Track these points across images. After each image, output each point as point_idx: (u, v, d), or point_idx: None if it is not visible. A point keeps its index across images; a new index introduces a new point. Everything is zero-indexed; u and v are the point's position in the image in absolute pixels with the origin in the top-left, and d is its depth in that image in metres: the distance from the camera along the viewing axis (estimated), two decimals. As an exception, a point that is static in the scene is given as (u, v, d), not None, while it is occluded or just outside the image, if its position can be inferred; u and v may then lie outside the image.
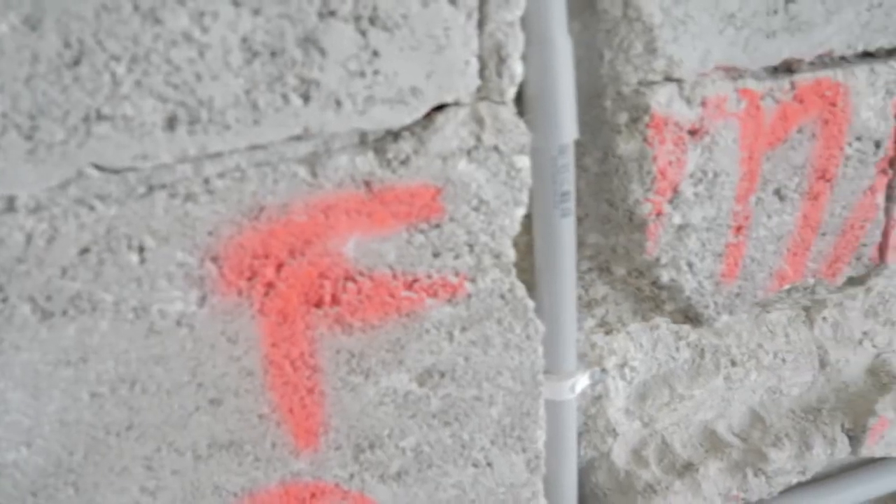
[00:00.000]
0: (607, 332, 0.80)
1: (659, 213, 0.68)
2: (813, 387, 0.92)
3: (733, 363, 0.86)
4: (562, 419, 0.78)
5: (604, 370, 0.81)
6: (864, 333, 0.93)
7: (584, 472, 0.85)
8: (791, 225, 0.75)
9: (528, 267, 0.72)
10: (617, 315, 0.79)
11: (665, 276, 0.71)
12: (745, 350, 0.86)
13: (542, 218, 0.69)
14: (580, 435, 0.83)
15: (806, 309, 0.90)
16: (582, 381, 0.77)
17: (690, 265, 0.72)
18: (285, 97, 0.54)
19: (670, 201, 0.69)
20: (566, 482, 0.82)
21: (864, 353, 0.93)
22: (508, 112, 0.61)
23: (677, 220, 0.69)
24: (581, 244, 0.74)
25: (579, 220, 0.74)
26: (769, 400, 0.90)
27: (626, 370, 0.83)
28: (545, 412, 0.76)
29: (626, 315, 0.80)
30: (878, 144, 0.75)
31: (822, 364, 0.91)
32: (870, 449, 0.90)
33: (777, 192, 0.73)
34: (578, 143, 0.70)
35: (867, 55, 0.74)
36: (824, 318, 0.90)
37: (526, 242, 0.72)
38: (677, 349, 0.84)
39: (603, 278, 0.76)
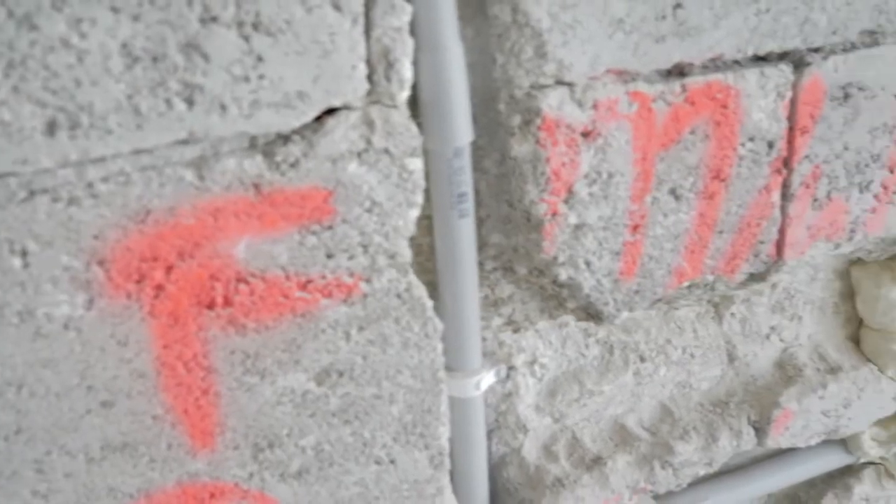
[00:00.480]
0: (515, 331, 0.81)
1: (555, 213, 0.70)
2: (722, 381, 0.94)
3: (642, 359, 0.88)
4: (469, 416, 0.79)
5: (512, 367, 0.82)
6: (772, 328, 0.95)
7: (497, 468, 0.86)
8: (688, 223, 0.76)
9: (433, 267, 0.74)
10: (524, 313, 0.81)
11: (563, 275, 0.73)
12: (653, 346, 0.88)
13: (441, 219, 0.70)
14: (492, 431, 0.85)
15: (715, 305, 0.92)
16: (487, 379, 0.78)
17: (588, 263, 0.73)
18: (168, 102, 0.54)
19: (565, 201, 0.70)
20: (476, 478, 0.83)
21: (771, 348, 0.96)
22: (400, 115, 0.63)
23: (573, 219, 0.71)
24: (484, 244, 0.76)
25: (482, 221, 0.75)
26: (679, 394, 0.92)
27: (536, 367, 0.84)
28: (451, 409, 0.78)
29: (534, 313, 0.81)
30: (770, 145, 0.77)
31: (731, 358, 0.93)
32: (775, 440, 0.92)
33: (672, 192, 0.75)
34: (478, 146, 0.72)
35: (760, 59, 0.76)
36: (732, 314, 0.93)
37: (429, 243, 0.73)
38: (587, 346, 0.86)
39: (508, 277, 0.78)
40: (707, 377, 0.92)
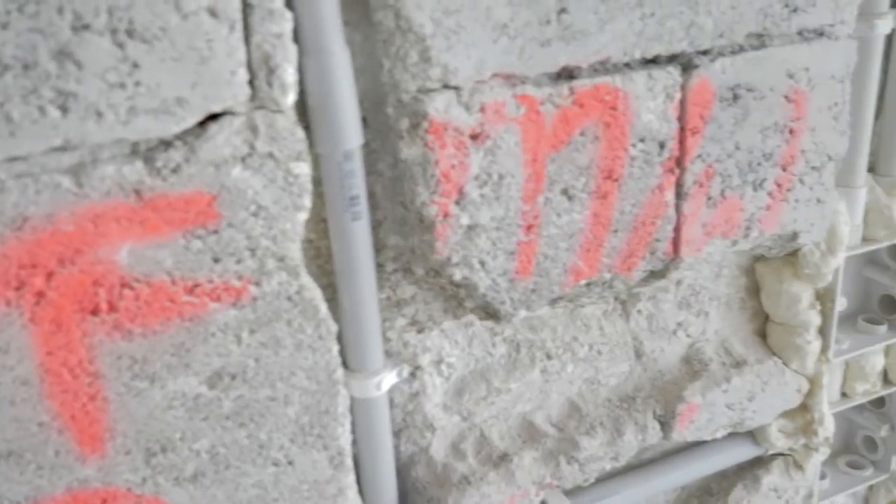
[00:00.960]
0: (420, 331, 0.82)
1: (446, 215, 0.71)
2: (630, 376, 0.96)
3: (549, 356, 0.89)
4: (372, 416, 0.80)
5: (418, 367, 0.83)
6: (678, 324, 0.97)
7: (406, 467, 0.87)
8: (582, 223, 0.78)
9: (333, 269, 0.74)
10: (428, 314, 0.82)
11: (458, 275, 0.74)
12: (560, 343, 0.89)
13: (335, 222, 0.71)
14: (400, 431, 0.86)
15: (622, 302, 0.94)
16: (389, 379, 0.79)
17: (483, 263, 0.75)
18: (42, 109, 0.55)
19: (457, 203, 0.71)
20: (384, 477, 0.84)
21: (678, 343, 0.98)
22: (286, 120, 0.63)
23: (465, 220, 0.72)
24: (383, 246, 0.77)
25: (379, 223, 0.76)
26: (587, 390, 0.93)
27: (443, 367, 0.85)
28: (354, 410, 0.79)
29: (438, 313, 0.82)
30: (662, 145, 0.79)
31: (638, 354, 0.95)
32: (680, 434, 0.94)
33: (565, 192, 0.76)
34: (371, 149, 0.73)
35: (650, 61, 0.78)
36: (639, 311, 0.94)
37: (327, 246, 0.74)
38: (493, 345, 0.87)
39: (408, 279, 0.79)
40: (615, 373, 0.94)
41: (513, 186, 0.73)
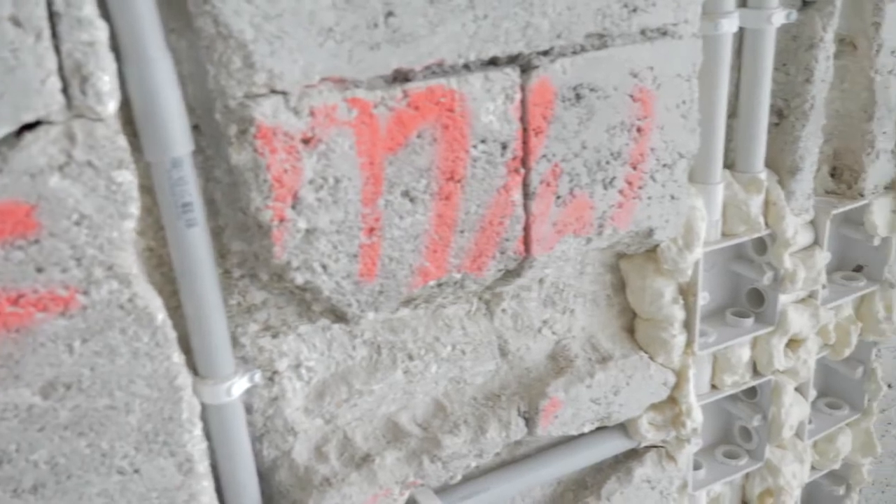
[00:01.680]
0: (274, 336, 0.83)
1: (282, 219, 0.72)
2: (497, 374, 0.97)
3: (411, 357, 0.90)
4: (226, 422, 0.81)
5: (276, 372, 0.84)
6: (544, 322, 0.99)
7: (270, 472, 0.88)
8: (426, 224, 0.79)
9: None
10: (281, 318, 0.82)
11: (300, 279, 0.75)
12: (421, 344, 0.91)
13: (171, 230, 0.72)
14: (262, 436, 0.86)
15: (486, 302, 0.95)
16: (240, 384, 0.80)
17: (325, 267, 0.76)
18: None
19: (293, 207, 0.72)
20: (245, 483, 0.84)
21: (544, 341, 0.99)
22: (106, 129, 0.64)
23: (303, 224, 0.73)
24: (227, 252, 0.77)
25: (222, 229, 0.76)
26: (453, 390, 0.94)
27: (303, 370, 0.86)
28: (208, 416, 0.79)
29: (292, 318, 0.83)
30: (504, 146, 0.81)
31: (503, 353, 0.97)
32: (545, 429, 0.96)
33: (406, 194, 0.77)
34: (208, 156, 0.73)
35: (491, 63, 0.79)
36: (504, 310, 0.96)
37: (169, 253, 0.74)
38: (353, 347, 0.88)
39: (256, 284, 0.79)
40: (481, 372, 0.95)
41: (350, 190, 0.74)
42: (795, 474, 1.23)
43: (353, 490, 0.86)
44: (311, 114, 0.70)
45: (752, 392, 1.20)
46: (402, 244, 0.79)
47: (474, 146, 0.79)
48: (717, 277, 1.13)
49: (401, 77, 0.75)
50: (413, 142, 0.76)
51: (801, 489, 1.28)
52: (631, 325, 1.07)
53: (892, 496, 1.51)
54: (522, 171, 0.83)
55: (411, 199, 0.78)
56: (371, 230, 0.77)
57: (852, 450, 1.33)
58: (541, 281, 0.97)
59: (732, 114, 1.04)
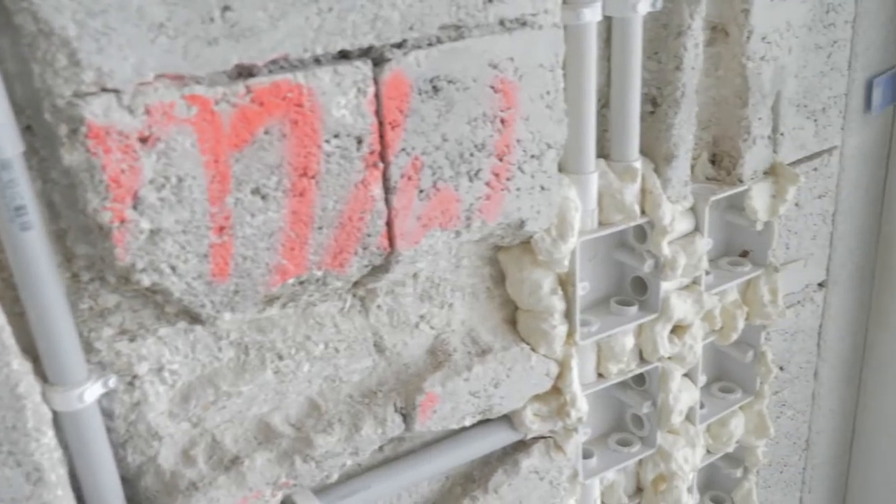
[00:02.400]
0: (132, 339, 0.81)
1: (123, 220, 0.70)
2: (374, 371, 0.96)
3: (280, 357, 0.89)
4: (83, 429, 0.79)
5: (136, 377, 0.82)
6: (421, 317, 0.98)
7: (136, 478, 0.86)
8: (280, 222, 0.78)
9: (23, 282, 0.72)
10: (137, 321, 0.81)
11: (146, 281, 0.73)
12: (291, 344, 0.89)
13: (6, 234, 0.70)
14: (125, 442, 0.84)
15: (361, 298, 0.94)
16: (93, 390, 0.78)
17: (173, 268, 0.74)
18: None
19: (134, 207, 0.70)
20: (107, 490, 0.83)
21: (422, 336, 0.99)
22: (-77, 131, 0.61)
23: (146, 225, 0.71)
24: (73, 255, 0.75)
25: (65, 232, 0.74)
26: (328, 388, 0.93)
27: (166, 374, 0.84)
28: (62, 423, 0.77)
29: (149, 320, 0.81)
30: (360, 140, 0.80)
31: (380, 349, 0.96)
32: (424, 424, 0.95)
33: (257, 192, 0.76)
34: (42, 157, 0.71)
35: (342, 56, 0.78)
36: (379, 306, 0.95)
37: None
38: (220, 349, 0.87)
39: (107, 287, 0.77)
40: (357, 369, 0.95)
41: (195, 188, 0.73)
42: (688, 459, 1.25)
43: (221, 493, 0.84)
44: (147, 112, 0.69)
45: (641, 379, 1.21)
46: (255, 242, 0.78)
47: (327, 141, 0.78)
48: (600, 266, 1.13)
49: (244, 73, 0.74)
50: (260, 138, 0.75)
51: (694, 473, 1.29)
52: (513, 317, 1.07)
53: (791, 476, 1.53)
54: (381, 165, 0.83)
55: (263, 197, 0.77)
56: (221, 229, 0.75)
57: (746, 432, 1.35)
58: (415, 276, 0.96)
59: (606, 104, 1.04)
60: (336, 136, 0.78)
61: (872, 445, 1.60)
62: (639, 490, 1.28)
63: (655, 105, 1.07)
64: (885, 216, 1.42)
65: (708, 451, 1.36)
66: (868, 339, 1.52)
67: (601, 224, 1.05)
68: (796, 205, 1.28)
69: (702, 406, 1.30)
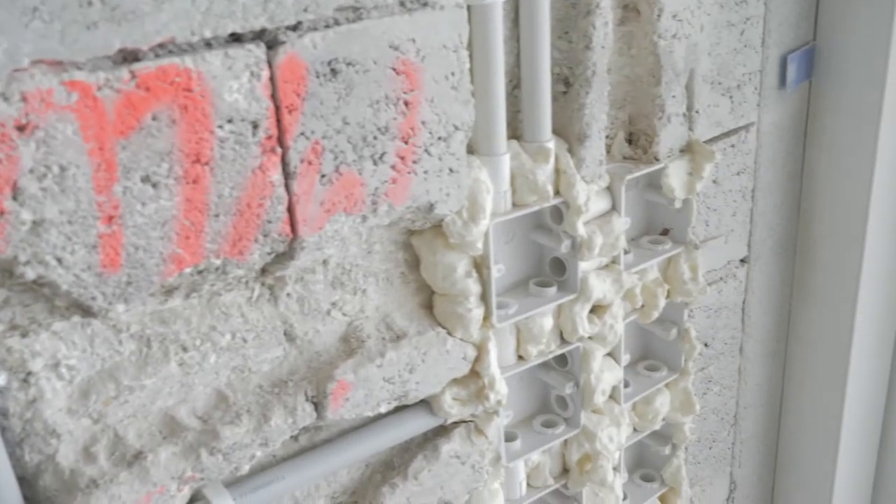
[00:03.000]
0: (24, 335, 0.79)
1: (2, 212, 0.68)
2: (285, 360, 0.95)
3: (185, 349, 0.87)
4: (-28, 429, 0.76)
5: (30, 373, 0.80)
6: (333, 304, 0.97)
7: (35, 478, 0.83)
8: (173, 210, 0.76)
9: None
10: (29, 316, 0.78)
11: (31, 273, 0.71)
12: (196, 335, 0.87)
13: None
14: (22, 441, 0.82)
15: (270, 287, 0.93)
16: (-20, 388, 0.75)
17: (59, 260, 0.72)
18: None
19: (14, 198, 0.68)
20: (4, 491, 0.80)
21: (334, 323, 0.97)
22: None
23: (28, 216, 0.69)
24: (-44, 250, 0.73)
25: (-55, 226, 0.72)
26: (237, 379, 0.92)
27: (62, 370, 0.82)
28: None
29: (42, 315, 0.79)
30: (255, 125, 0.78)
31: (291, 338, 0.94)
32: (336, 412, 0.94)
33: (147, 180, 0.74)
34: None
35: (234, 39, 0.76)
36: (289, 295, 0.93)
37: None
38: (120, 342, 0.84)
39: (-6, 282, 0.75)
40: (267, 359, 0.93)
41: (80, 177, 0.71)
42: (613, 438, 1.25)
43: (123, 489, 0.82)
44: (24, 99, 0.66)
45: (563, 360, 1.21)
46: (147, 232, 0.76)
47: (220, 126, 0.76)
48: (519, 248, 1.13)
49: (129, 57, 0.71)
50: (148, 125, 0.72)
51: (620, 452, 1.29)
52: (429, 301, 1.06)
53: (720, 451, 1.55)
54: (279, 150, 0.81)
55: (153, 185, 0.75)
56: (109, 218, 0.73)
57: (672, 409, 1.35)
58: (325, 263, 0.95)
59: (518, 85, 1.04)
60: (229, 121, 0.77)
61: (800, 418, 1.62)
62: (565, 471, 1.28)
63: (568, 85, 1.06)
64: (804, 191, 1.43)
65: (635, 430, 1.36)
66: (791, 313, 1.54)
67: (515, 206, 1.05)
68: (714, 182, 1.28)
69: (627, 385, 1.30)
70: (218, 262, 0.81)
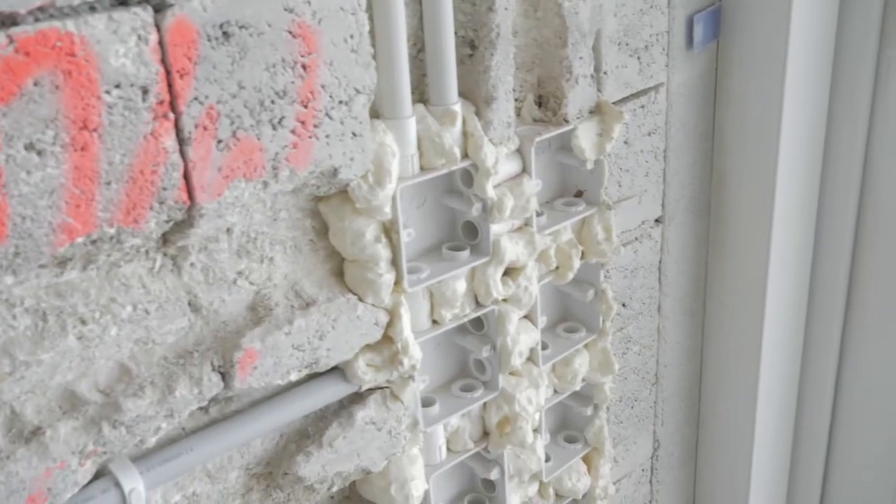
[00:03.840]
0: (-89, 312, 0.76)
1: None
2: (191, 331, 0.93)
3: (83, 322, 0.85)
4: None
5: (-80, 351, 0.77)
6: (239, 273, 0.95)
7: (-68, 459, 0.81)
8: (61, 178, 0.74)
9: None
10: (-85, 292, 0.76)
11: None
12: (95, 307, 0.86)
13: None
14: (-85, 421, 0.80)
15: (172, 257, 0.91)
16: None
17: (-59, 232, 0.70)
18: None
19: None
20: None
21: (241, 292, 0.96)
22: None
23: None
24: None
25: None
26: (140, 351, 0.90)
27: (-45, 347, 0.80)
28: None
29: (-71, 291, 0.76)
30: (145, 90, 0.76)
31: (196, 308, 0.93)
32: (244, 381, 0.93)
33: (31, 147, 0.72)
34: None
35: (121, 2, 0.74)
36: (192, 264, 0.92)
37: None
38: (14, 317, 0.82)
39: None
40: (172, 330, 0.92)
41: (-43, 146, 0.68)
42: (531, 399, 1.26)
43: (21, 466, 0.81)
44: None
45: (479, 324, 1.21)
46: (34, 201, 0.74)
47: (108, 92, 0.74)
48: (430, 213, 1.13)
49: (7, 21, 0.69)
50: (30, 90, 0.70)
51: (540, 413, 1.31)
52: (340, 269, 1.05)
53: (642, 410, 1.57)
54: (172, 115, 0.79)
55: (38, 153, 0.73)
56: (-8, 188, 0.71)
57: (591, 370, 1.37)
58: (229, 231, 0.93)
59: (423, 48, 1.03)
60: (117, 86, 0.75)
61: (721, 375, 1.65)
62: (485, 434, 1.29)
63: (473, 48, 1.06)
64: (715, 151, 1.45)
65: (555, 391, 1.38)
66: (708, 272, 1.56)
67: (423, 169, 1.04)
68: (626, 143, 1.29)
69: (545, 347, 1.31)
70: (112, 230, 0.79)
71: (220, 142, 0.83)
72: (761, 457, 1.67)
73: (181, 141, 0.81)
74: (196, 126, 0.81)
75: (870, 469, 1.65)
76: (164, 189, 0.81)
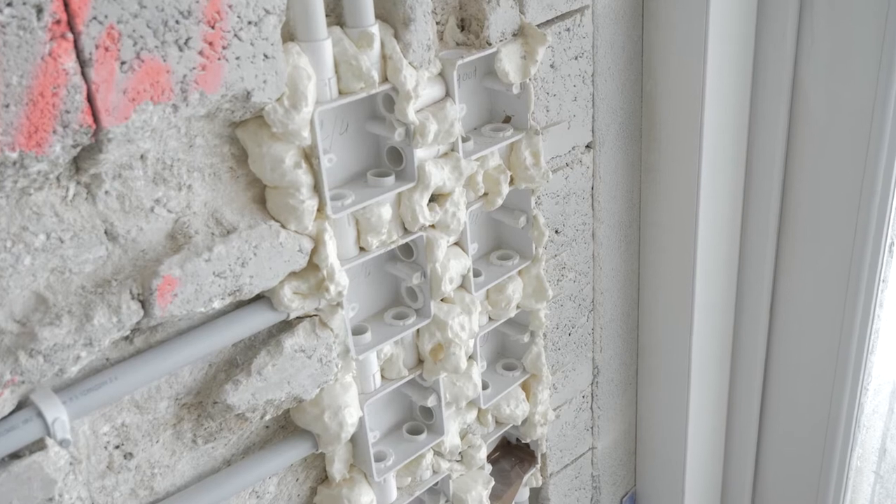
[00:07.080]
0: None
1: None
2: (109, 260, 0.92)
3: (-5, 252, 0.84)
4: None
5: None
6: (156, 201, 0.95)
7: None
8: (-46, 100, 0.73)
9: None
10: None
11: None
12: (6, 236, 0.84)
13: None
14: None
15: (86, 185, 0.90)
16: None
17: None
18: None
19: None
20: None
21: (159, 220, 0.95)
22: None
23: None
24: None
25: None
26: (56, 281, 0.89)
27: None
28: None
29: None
30: (39, 9, 0.75)
31: (112, 237, 0.92)
32: (165, 309, 0.93)
33: (-80, 68, 0.70)
34: None
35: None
36: (107, 192, 0.91)
37: None
38: (-79, 248, 0.81)
39: None
40: (89, 259, 0.91)
41: None
42: (464, 326, 1.27)
43: (-66, 398, 0.80)
44: None
45: (409, 252, 1.21)
46: (-73, 125, 0.72)
47: (0, 11, 0.73)
48: (354, 139, 1.12)
49: None
50: (-87, 8, 0.68)
51: (474, 340, 1.31)
52: (262, 196, 1.04)
53: (580, 337, 1.59)
54: (70, 35, 0.78)
55: (-72, 74, 0.71)
56: None
57: (525, 297, 1.38)
58: (143, 158, 0.92)
59: (339, -31, 1.01)
60: (9, 4, 0.73)
61: (657, 300, 1.67)
62: (420, 362, 1.30)
63: (389, -32, 1.05)
64: (645, 74, 1.45)
65: (490, 319, 1.39)
66: (642, 197, 1.57)
67: (341, 93, 1.03)
68: (552, 67, 1.29)
69: (479, 274, 1.32)
70: (14, 155, 0.78)
71: (123, 63, 0.81)
72: (700, 380, 1.70)
73: (82, 62, 0.79)
74: (97, 47, 0.79)
75: (807, 383, 1.69)
76: (67, 112, 0.80)
